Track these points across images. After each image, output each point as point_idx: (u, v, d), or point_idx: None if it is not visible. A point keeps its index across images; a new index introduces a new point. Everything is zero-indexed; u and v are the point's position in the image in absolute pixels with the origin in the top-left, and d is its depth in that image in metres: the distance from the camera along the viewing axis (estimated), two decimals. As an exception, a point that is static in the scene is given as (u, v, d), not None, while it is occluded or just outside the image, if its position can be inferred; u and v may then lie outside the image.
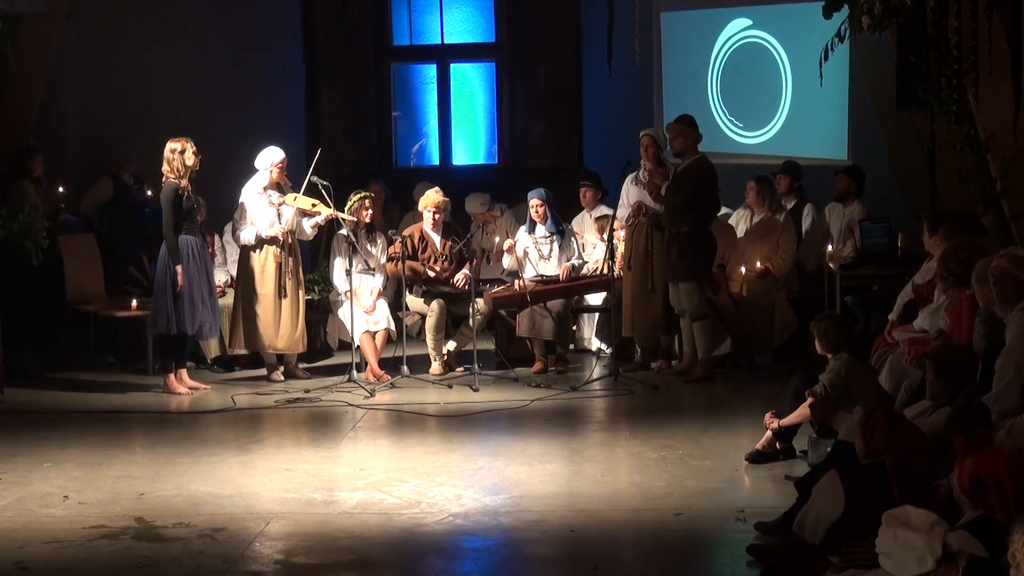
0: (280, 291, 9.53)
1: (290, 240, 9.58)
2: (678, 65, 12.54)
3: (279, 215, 9.52)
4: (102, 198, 11.77)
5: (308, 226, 9.64)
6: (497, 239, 10.53)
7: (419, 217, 10.34)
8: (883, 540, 4.09)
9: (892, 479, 4.67)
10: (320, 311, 10.54)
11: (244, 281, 9.63)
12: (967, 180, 8.81)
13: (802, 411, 6.81)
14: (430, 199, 10.09)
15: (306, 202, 9.47)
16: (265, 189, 9.52)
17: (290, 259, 9.57)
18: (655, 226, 9.65)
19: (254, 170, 9.61)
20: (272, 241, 9.49)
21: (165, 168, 9.15)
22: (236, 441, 7.88)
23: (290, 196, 9.50)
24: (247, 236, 9.52)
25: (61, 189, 11.22)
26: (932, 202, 9.46)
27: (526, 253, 10.23)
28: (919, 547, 3.97)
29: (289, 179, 9.71)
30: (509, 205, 11.34)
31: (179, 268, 9.07)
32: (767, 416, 7.04)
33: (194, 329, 9.28)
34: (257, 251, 9.54)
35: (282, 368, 9.79)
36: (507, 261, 10.35)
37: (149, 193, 11.66)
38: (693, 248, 9.42)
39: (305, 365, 10.09)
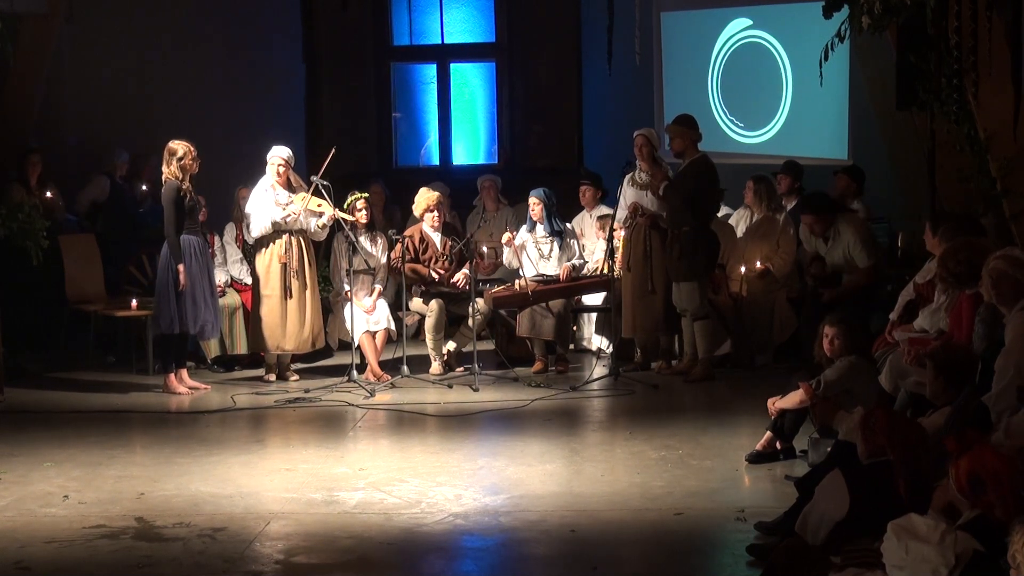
0: (285, 292, 9.53)
1: (301, 239, 9.57)
2: (678, 65, 12.54)
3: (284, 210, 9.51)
4: (97, 196, 11.73)
5: (316, 226, 9.61)
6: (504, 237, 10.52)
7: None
8: (894, 552, 4.09)
9: (897, 474, 4.66)
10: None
11: (253, 282, 9.68)
12: (967, 180, 8.81)
13: (795, 397, 6.83)
14: (424, 200, 10.08)
15: (313, 202, 9.45)
16: (273, 187, 9.51)
17: (296, 259, 9.55)
18: (653, 227, 9.65)
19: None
20: (276, 237, 9.47)
21: (164, 168, 9.15)
22: (236, 441, 7.88)
23: (298, 196, 9.49)
24: (260, 225, 9.46)
25: (49, 194, 11.16)
26: (932, 202, 9.46)
27: (525, 249, 10.24)
28: (932, 559, 3.97)
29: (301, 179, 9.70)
30: (509, 204, 11.38)
31: (181, 267, 9.07)
32: (770, 401, 7.06)
33: (196, 328, 9.29)
34: (263, 252, 9.54)
35: (277, 369, 9.81)
36: (507, 254, 10.36)
37: (144, 188, 11.63)
38: (694, 248, 9.42)
39: (304, 365, 10.11)
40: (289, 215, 9.44)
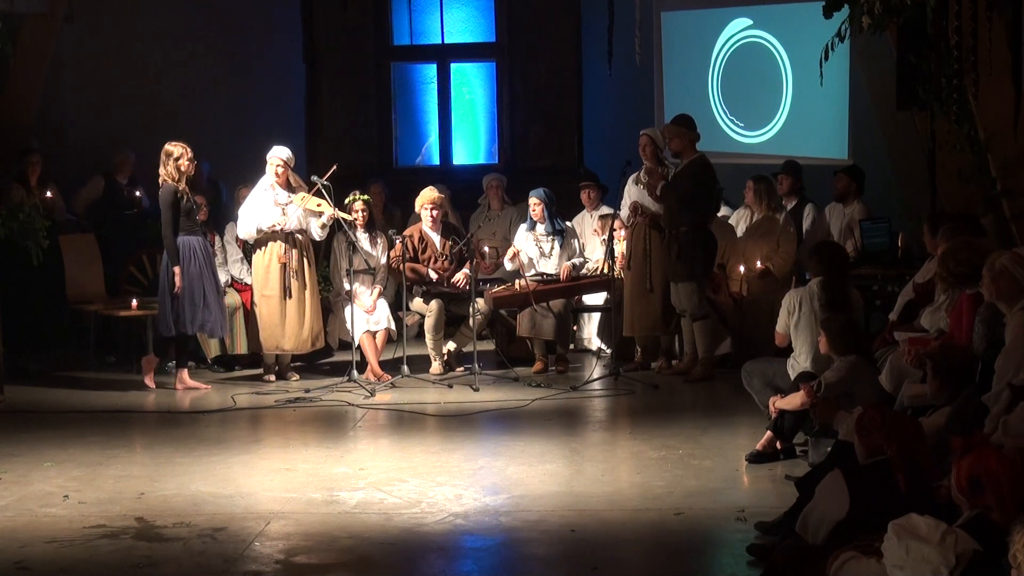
0: (285, 292, 9.52)
1: (300, 239, 9.56)
2: (678, 65, 12.54)
3: (284, 215, 9.49)
4: (92, 197, 11.74)
5: (317, 226, 9.61)
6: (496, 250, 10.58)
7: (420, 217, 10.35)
8: (894, 552, 4.09)
9: (896, 468, 4.66)
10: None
11: (253, 282, 9.69)
12: (967, 180, 8.82)
13: (795, 398, 6.83)
14: (425, 197, 10.10)
15: (312, 202, 9.45)
16: (272, 187, 9.50)
17: (295, 260, 9.55)
18: (653, 226, 9.66)
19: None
20: (274, 238, 9.47)
21: (160, 170, 9.16)
22: (236, 441, 7.88)
23: (298, 196, 9.49)
24: (245, 230, 9.48)
25: (49, 194, 11.15)
26: (932, 202, 9.47)
27: (532, 260, 10.25)
28: (933, 559, 3.97)
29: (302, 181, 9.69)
30: (510, 204, 11.38)
31: (177, 269, 9.07)
32: (771, 399, 7.06)
33: (195, 329, 9.30)
34: (262, 252, 9.54)
35: (276, 369, 9.81)
36: (510, 268, 10.36)
37: (137, 194, 11.63)
38: (692, 248, 9.43)
39: (303, 364, 10.10)
40: (276, 224, 9.42)
